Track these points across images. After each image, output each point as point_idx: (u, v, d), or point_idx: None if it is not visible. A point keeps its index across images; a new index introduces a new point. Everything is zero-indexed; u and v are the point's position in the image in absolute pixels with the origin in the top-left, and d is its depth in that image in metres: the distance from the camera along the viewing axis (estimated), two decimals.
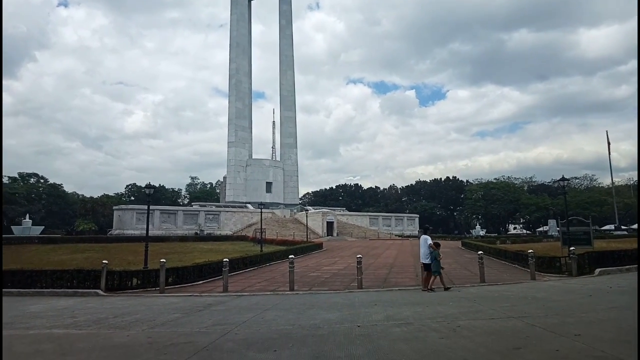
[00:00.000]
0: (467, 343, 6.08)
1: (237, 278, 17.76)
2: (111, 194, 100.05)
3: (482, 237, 62.23)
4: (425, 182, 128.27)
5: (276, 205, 79.46)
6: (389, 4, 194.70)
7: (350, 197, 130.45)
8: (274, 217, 71.37)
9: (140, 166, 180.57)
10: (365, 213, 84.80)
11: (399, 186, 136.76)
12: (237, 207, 72.57)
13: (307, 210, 71.50)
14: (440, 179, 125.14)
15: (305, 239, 46.46)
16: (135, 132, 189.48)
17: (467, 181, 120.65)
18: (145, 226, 21.86)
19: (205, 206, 74.25)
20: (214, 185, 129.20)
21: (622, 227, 78.74)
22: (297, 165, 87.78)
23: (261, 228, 37.93)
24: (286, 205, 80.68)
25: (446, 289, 12.53)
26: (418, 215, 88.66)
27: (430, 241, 13.06)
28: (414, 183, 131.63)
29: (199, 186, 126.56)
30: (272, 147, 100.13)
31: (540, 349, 5.67)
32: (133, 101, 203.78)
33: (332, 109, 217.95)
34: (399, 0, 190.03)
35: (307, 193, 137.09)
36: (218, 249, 34.45)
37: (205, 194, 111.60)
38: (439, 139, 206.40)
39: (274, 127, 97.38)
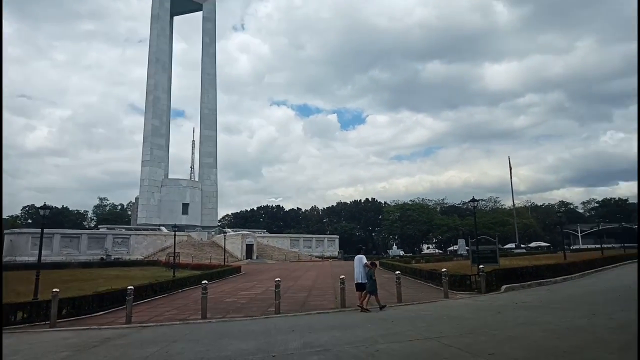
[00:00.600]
0: None
1: (144, 307, 16.31)
2: (5, 216, 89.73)
3: (400, 257, 64.41)
4: (345, 203, 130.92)
5: (193, 227, 76.13)
6: (313, 29, 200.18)
7: (271, 218, 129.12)
8: (190, 240, 68.21)
9: (42, 186, 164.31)
10: (286, 235, 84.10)
11: (320, 207, 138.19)
12: (150, 230, 68.42)
13: (226, 232, 69.31)
14: (360, 200, 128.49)
15: (222, 263, 44.72)
16: (38, 149, 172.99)
17: (385, 202, 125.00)
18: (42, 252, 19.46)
19: (113, 229, 69.12)
20: (125, 206, 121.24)
21: (522, 245, 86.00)
22: (216, 185, 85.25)
23: (174, 251, 35.78)
24: (204, 228, 77.59)
25: (382, 307, 12.55)
26: (338, 237, 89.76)
27: (365, 260, 13.08)
28: (334, 204, 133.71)
29: (108, 208, 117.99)
30: (191, 167, 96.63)
31: None
32: (37, 116, 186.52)
33: (255, 129, 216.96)
34: (323, 26, 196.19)
35: (227, 215, 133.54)
36: (126, 275, 31.84)
37: (114, 216, 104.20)
38: (359, 162, 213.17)
39: (193, 147, 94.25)
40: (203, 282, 14.01)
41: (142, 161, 77.40)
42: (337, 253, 71.33)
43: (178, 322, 12.42)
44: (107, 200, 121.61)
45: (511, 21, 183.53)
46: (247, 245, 62.74)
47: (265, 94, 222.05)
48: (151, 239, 64.92)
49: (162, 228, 69.90)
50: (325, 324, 10.32)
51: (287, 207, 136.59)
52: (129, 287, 13.52)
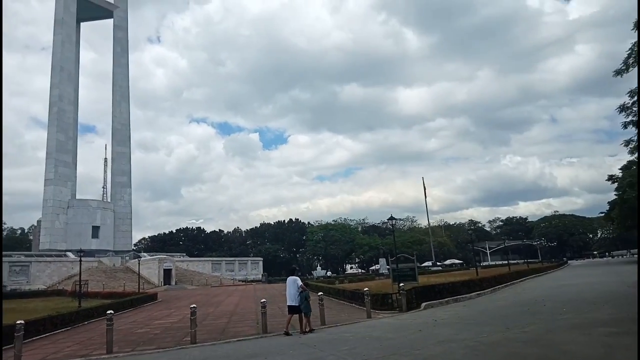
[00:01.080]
0: None
1: (41, 343, 14.46)
2: None
3: (324, 277, 64.48)
4: (269, 224, 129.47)
5: (104, 252, 70.58)
6: (232, 46, 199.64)
7: (192, 241, 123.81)
8: (102, 266, 63.11)
9: None
10: (207, 258, 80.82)
11: (243, 229, 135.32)
12: (55, 256, 62.30)
13: (140, 257, 65.10)
14: (284, 221, 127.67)
15: (137, 290, 41.69)
16: None
17: (309, 223, 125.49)
18: None
19: (10, 256, 61.97)
20: (26, 231, 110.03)
21: (437, 263, 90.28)
22: (130, 206, 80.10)
23: (80, 279, 32.75)
24: (117, 253, 72.18)
25: (311, 330, 12.29)
26: (262, 259, 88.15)
27: (299, 282, 12.92)
28: (258, 225, 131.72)
29: (5, 232, 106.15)
30: (104, 187, 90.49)
31: None
32: None
33: (173, 147, 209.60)
34: (243, 43, 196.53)
35: (144, 238, 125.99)
36: (23, 309, 28.28)
37: (13, 242, 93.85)
38: (282, 182, 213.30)
39: (105, 165, 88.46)
40: (108, 312, 12.70)
41: (45, 180, 70.60)
42: (261, 276, 69.68)
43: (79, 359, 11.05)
44: (5, 224, 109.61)
45: (421, 48, 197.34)
46: (165, 270, 59.25)
47: (183, 111, 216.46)
48: (56, 266, 59.06)
49: (69, 254, 63.93)
50: (245, 352, 9.68)
51: (208, 229, 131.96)
52: (18, 322, 11.83)
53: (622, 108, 18.10)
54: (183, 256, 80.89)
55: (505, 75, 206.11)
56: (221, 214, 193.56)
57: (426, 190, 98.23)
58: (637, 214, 18.75)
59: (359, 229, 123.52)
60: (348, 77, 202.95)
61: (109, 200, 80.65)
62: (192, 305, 12.93)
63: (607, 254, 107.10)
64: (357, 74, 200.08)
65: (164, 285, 55.67)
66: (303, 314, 12.54)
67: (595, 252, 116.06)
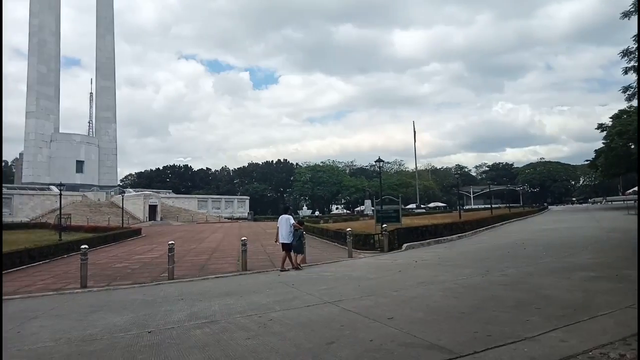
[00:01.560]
0: (276, 342, 5.14)
1: (17, 276, 14.24)
2: None
3: (309, 217, 65.17)
4: (257, 164, 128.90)
5: (89, 187, 69.99)
6: None
7: (179, 179, 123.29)
8: (86, 200, 62.77)
9: None
10: (194, 195, 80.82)
11: (231, 168, 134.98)
12: (38, 190, 61.59)
13: (125, 192, 64.71)
14: (272, 161, 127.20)
15: (121, 225, 41.69)
16: None
17: (297, 164, 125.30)
18: None
19: None
20: (9, 163, 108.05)
21: (422, 205, 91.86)
22: (115, 142, 78.58)
23: (60, 212, 32.37)
24: (102, 188, 71.64)
25: (297, 267, 12.52)
26: (249, 198, 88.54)
27: (292, 221, 12.89)
28: (246, 165, 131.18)
29: None
30: (89, 122, 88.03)
31: (354, 340, 5.05)
32: None
33: (161, 84, 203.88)
34: None
35: (130, 174, 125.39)
36: (6, 240, 28.09)
37: None
38: (272, 123, 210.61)
39: (91, 100, 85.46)
40: (83, 247, 12.37)
41: (26, 112, 68.39)
42: (247, 214, 70.11)
43: (51, 293, 10.82)
44: None
45: None
46: (150, 206, 59.21)
47: (172, 47, 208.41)
48: (39, 199, 58.55)
49: (53, 188, 63.19)
50: (221, 290, 9.48)
51: (196, 167, 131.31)
52: None
53: (625, 52, 17.27)
54: (169, 193, 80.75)
55: (505, 20, 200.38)
56: (209, 153, 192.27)
57: (416, 135, 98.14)
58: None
59: (347, 171, 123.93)
60: (343, 18, 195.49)
61: (94, 135, 78.77)
62: (170, 242, 12.62)
63: (589, 200, 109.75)
64: (352, 15, 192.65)
65: (149, 221, 55.83)
66: (293, 252, 12.69)
67: (574, 199, 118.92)
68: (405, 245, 17.39)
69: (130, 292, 10.16)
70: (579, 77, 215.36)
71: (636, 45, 17.05)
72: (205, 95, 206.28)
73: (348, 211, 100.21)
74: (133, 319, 6.90)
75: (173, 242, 12.68)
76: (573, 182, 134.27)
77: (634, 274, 8.27)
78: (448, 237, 20.35)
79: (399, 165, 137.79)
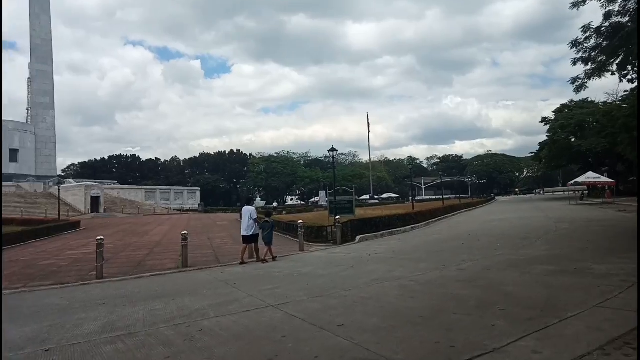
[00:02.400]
0: None
1: None
2: None
3: (262, 208, 63.85)
4: (209, 154, 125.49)
5: (25, 177, 65.08)
6: None
7: (126, 169, 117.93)
8: (20, 191, 58.26)
9: None
10: (141, 186, 76.94)
11: (182, 158, 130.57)
12: None
13: (64, 182, 60.67)
14: (225, 151, 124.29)
15: (57, 218, 38.81)
16: None
17: (251, 155, 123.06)
18: None
19: None
20: None
21: (375, 197, 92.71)
22: (54, 129, 73.42)
23: None
24: (39, 178, 66.75)
25: (264, 260, 12.11)
26: (199, 189, 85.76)
27: (255, 214, 12.54)
28: (197, 155, 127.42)
29: None
30: (28, 109, 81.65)
31: (296, 356, 4.22)
32: None
33: (107, 71, 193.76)
34: None
35: (73, 164, 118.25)
36: None
37: None
38: (225, 113, 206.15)
39: (29, 85, 79.18)
40: None
41: None
42: (197, 206, 67.67)
43: None
44: None
45: None
46: (92, 197, 55.73)
47: (118, 32, 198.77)
48: None
49: None
50: (152, 292, 8.38)
51: (145, 158, 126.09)
52: None
53: (574, 43, 17.36)
54: (114, 183, 76.66)
55: (453, 16, 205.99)
56: (160, 142, 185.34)
57: (370, 127, 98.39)
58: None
59: (302, 162, 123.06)
60: (296, 7, 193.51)
61: (30, 122, 73.21)
62: (99, 237, 11.28)
63: (534, 191, 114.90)
64: (305, 5, 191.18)
65: (92, 213, 52.58)
66: (265, 244, 12.41)
67: (517, 190, 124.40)
68: (358, 237, 16.80)
69: (46, 295, 8.84)
70: (522, 73, 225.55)
71: (585, 36, 17.21)
72: (154, 83, 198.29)
73: (303, 202, 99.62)
74: (34, 332, 5.73)
75: (102, 237, 11.39)
76: (518, 174, 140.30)
77: (592, 267, 7.98)
78: (401, 229, 20.00)
79: (353, 156, 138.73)
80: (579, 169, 61.50)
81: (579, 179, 40.90)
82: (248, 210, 12.52)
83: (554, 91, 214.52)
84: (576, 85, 19.19)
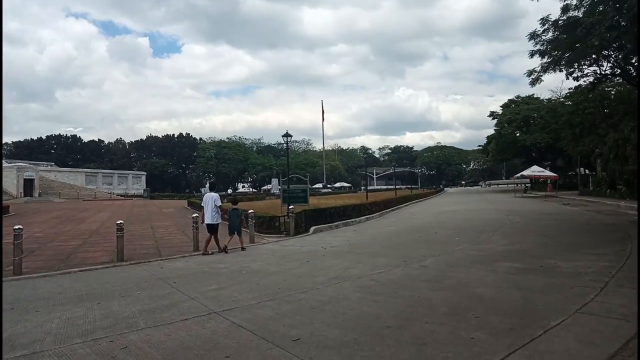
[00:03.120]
0: None
1: None
2: None
3: (228, 195, 61.93)
4: (157, 137, 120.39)
5: None
6: None
7: (66, 150, 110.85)
8: None
9: None
10: (81, 169, 72.22)
11: (127, 141, 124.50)
12: None
13: None
14: (174, 135, 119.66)
15: None
16: None
17: (201, 139, 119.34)
18: None
19: None
20: None
21: (328, 185, 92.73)
22: None
23: None
24: None
25: (224, 250, 11.49)
26: (145, 173, 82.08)
27: (219, 201, 11.88)
28: (144, 138, 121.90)
29: None
30: None
31: None
32: None
33: (46, 44, 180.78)
34: None
35: (6, 143, 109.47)
36: None
37: None
38: (174, 95, 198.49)
39: None
40: None
41: None
42: (143, 191, 64.48)
43: None
44: None
45: None
46: (26, 180, 51.67)
47: (58, 2, 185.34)
48: None
49: None
50: (75, 293, 7.21)
51: (87, 139, 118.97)
52: None
53: (532, 36, 17.37)
54: (51, 165, 71.66)
55: (408, 8, 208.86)
56: (104, 123, 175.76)
57: (324, 114, 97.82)
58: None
59: (254, 149, 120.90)
60: None
61: None
62: (16, 226, 9.81)
63: (480, 183, 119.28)
64: None
65: (24, 197, 48.70)
66: (236, 233, 11.89)
67: (463, 182, 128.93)
68: (313, 228, 16.07)
69: None
70: (471, 69, 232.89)
71: (543, 28, 17.24)
72: (98, 60, 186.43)
73: (255, 190, 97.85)
74: None
75: (21, 226, 9.90)
76: (465, 166, 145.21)
77: (559, 265, 7.66)
78: (356, 219, 19.50)
79: (307, 144, 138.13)
80: (522, 163, 64.11)
81: (525, 172, 42.37)
82: (212, 197, 11.84)
83: (499, 87, 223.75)
84: (532, 78, 19.38)
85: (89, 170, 72.90)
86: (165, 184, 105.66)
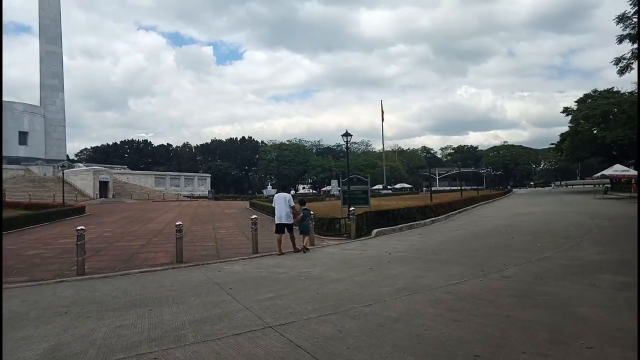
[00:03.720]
0: None
1: None
2: None
3: (295, 197, 62.51)
4: (221, 141, 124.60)
5: (34, 160, 64.50)
6: None
7: (138, 154, 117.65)
8: (30, 175, 57.70)
9: None
10: (151, 172, 75.85)
11: (193, 145, 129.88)
12: None
13: (73, 166, 60.04)
14: (236, 138, 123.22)
15: (62, 202, 37.88)
16: None
17: (262, 142, 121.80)
18: None
19: None
20: None
21: (388, 187, 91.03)
22: (63, 112, 72.43)
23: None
24: (48, 162, 66.01)
25: (302, 250, 11.56)
26: (210, 175, 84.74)
27: (292, 201, 11.78)
28: (209, 142, 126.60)
29: None
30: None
31: None
32: None
33: (120, 56, 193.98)
34: None
35: (86, 149, 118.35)
36: None
37: None
38: (237, 100, 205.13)
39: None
40: None
41: None
42: (207, 192, 66.54)
43: None
44: None
45: None
46: (101, 182, 54.91)
47: (130, 17, 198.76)
48: None
49: None
50: (129, 297, 6.94)
51: (157, 144, 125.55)
52: None
53: (621, 18, 15.42)
54: (124, 168, 75.91)
55: (469, 4, 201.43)
56: (172, 129, 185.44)
57: (383, 114, 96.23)
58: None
59: (313, 150, 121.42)
60: None
61: (39, 104, 72.49)
62: (79, 227, 9.87)
63: (552, 184, 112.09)
64: None
65: (100, 198, 51.79)
66: (301, 233, 11.92)
67: (532, 183, 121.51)
68: (375, 231, 15.25)
69: (9, 297, 7.36)
70: (539, 64, 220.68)
71: (635, 10, 15.27)
72: (167, 69, 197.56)
73: (314, 191, 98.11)
74: None
75: (83, 227, 9.93)
76: (534, 166, 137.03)
77: None
78: (421, 222, 18.41)
79: (366, 145, 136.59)
80: (600, 162, 59.04)
81: (606, 172, 38.54)
82: (284, 197, 11.77)
83: (571, 83, 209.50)
84: (620, 67, 17.31)
85: (158, 172, 76.40)
86: (229, 186, 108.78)
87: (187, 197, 60.81)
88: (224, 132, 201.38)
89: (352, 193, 17.21)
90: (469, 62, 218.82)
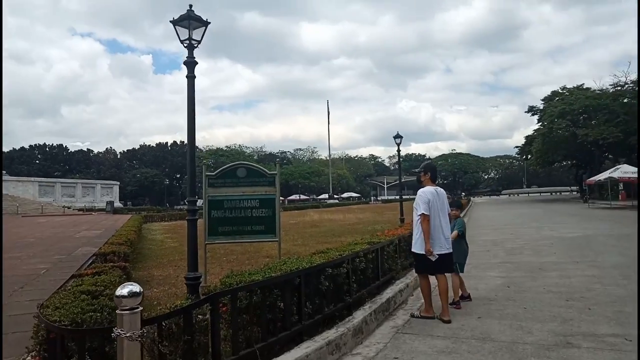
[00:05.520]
0: None
1: None
2: None
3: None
4: (150, 146, 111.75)
5: None
6: None
7: (51, 161, 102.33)
8: None
9: None
10: (32, 178, 59.55)
11: (118, 151, 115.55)
12: None
13: None
14: (167, 143, 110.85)
15: None
16: None
17: (198, 148, 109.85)
18: None
19: None
20: None
21: (335, 196, 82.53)
22: None
23: None
24: None
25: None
26: (118, 183, 71.56)
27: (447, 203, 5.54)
28: (137, 147, 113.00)
29: None
30: None
31: None
32: None
33: (53, 62, 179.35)
34: None
35: None
36: None
37: None
38: (178, 109, 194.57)
39: None
40: None
41: None
42: (105, 205, 50.13)
43: None
44: None
45: None
46: None
47: (64, 22, 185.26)
48: None
49: None
50: None
51: (73, 149, 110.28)
52: None
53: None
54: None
55: (406, 22, 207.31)
56: (110, 138, 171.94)
57: (330, 117, 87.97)
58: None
59: (255, 157, 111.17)
60: (247, 5, 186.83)
61: None
62: None
63: (500, 193, 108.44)
64: (256, 3, 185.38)
65: None
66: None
67: (489, 190, 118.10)
68: None
69: None
70: (473, 81, 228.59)
71: None
72: (103, 77, 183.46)
73: None
74: None
75: None
76: (483, 174, 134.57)
77: None
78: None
79: (312, 152, 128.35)
80: (571, 166, 53.26)
81: (614, 174, 30.98)
82: (442, 196, 5.40)
83: (503, 98, 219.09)
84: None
85: (43, 179, 60.46)
86: (157, 196, 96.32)
87: (80, 210, 47.98)
88: (165, 141, 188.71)
89: (233, 206, 7.36)
90: (409, 77, 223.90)
